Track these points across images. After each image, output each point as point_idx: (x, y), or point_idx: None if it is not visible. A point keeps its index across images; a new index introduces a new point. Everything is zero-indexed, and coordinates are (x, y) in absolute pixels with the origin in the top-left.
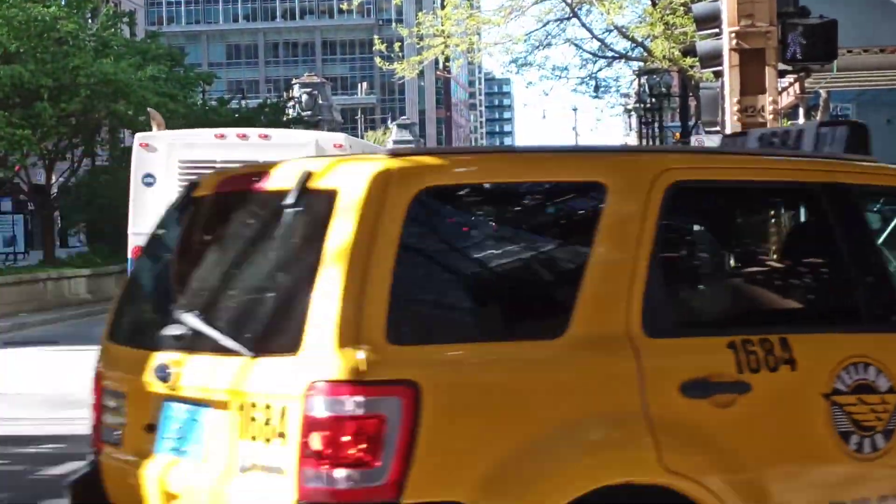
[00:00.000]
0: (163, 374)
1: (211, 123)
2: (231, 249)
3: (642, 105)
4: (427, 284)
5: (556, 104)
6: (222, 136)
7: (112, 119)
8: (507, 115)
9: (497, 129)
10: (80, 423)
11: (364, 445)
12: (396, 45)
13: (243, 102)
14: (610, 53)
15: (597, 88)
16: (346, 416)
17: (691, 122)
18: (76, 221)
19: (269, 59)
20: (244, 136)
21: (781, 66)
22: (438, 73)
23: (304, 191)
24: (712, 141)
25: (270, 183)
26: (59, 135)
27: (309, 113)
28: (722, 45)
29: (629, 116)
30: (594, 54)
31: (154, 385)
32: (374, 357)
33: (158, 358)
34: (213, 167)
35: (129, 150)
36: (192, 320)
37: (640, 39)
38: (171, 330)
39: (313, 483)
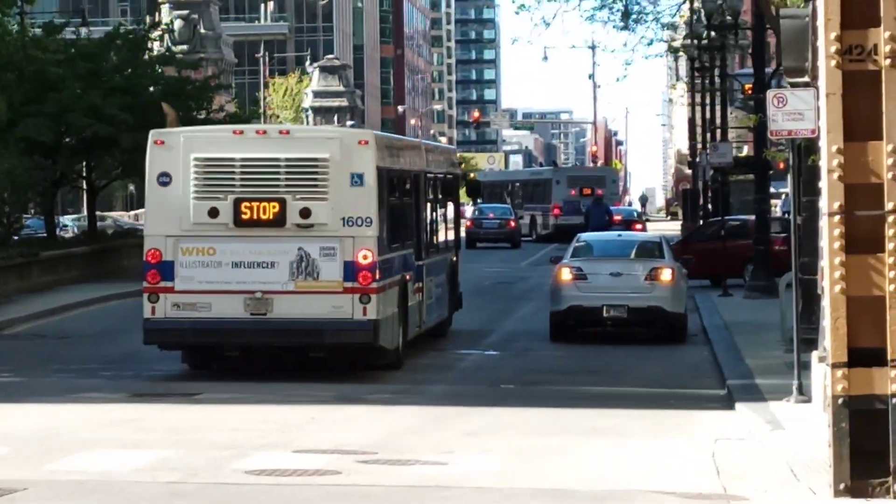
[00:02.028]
0: None
1: (32, 61)
2: None
3: (696, 42)
4: None
5: (565, 39)
6: (240, 133)
7: None
8: (488, 54)
9: (473, 77)
10: None
11: None
12: None
13: (84, 31)
14: None
15: (626, 16)
16: None
17: (770, 69)
18: None
19: None
20: (263, 133)
21: None
22: None
23: None
24: (799, 98)
25: None
26: None
27: (185, 48)
28: None
29: (675, 59)
30: None
31: None
32: None
33: None
34: (232, 165)
35: None
36: None
37: None
38: None
39: None
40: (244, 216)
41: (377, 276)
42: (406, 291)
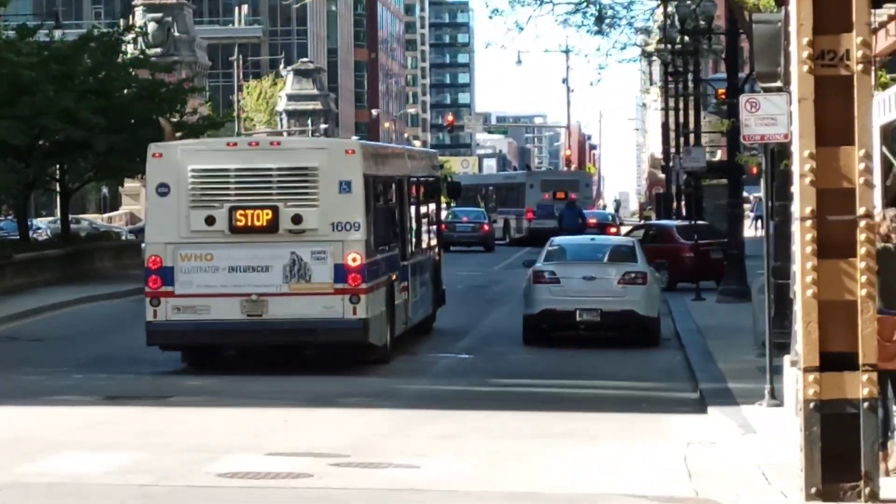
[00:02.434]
0: None
1: (5, 64)
2: None
3: (669, 47)
4: None
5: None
6: (234, 145)
7: None
8: (462, 58)
9: (448, 80)
10: None
11: None
12: None
13: (57, 33)
14: None
15: (600, 20)
16: None
17: (743, 74)
18: None
19: None
20: (255, 144)
21: None
22: None
23: None
24: (771, 103)
25: None
26: None
27: (159, 51)
28: None
29: (649, 64)
30: None
31: None
32: None
33: None
34: (227, 175)
35: None
36: None
37: None
38: None
39: None
40: (239, 223)
41: (366, 278)
42: (393, 291)
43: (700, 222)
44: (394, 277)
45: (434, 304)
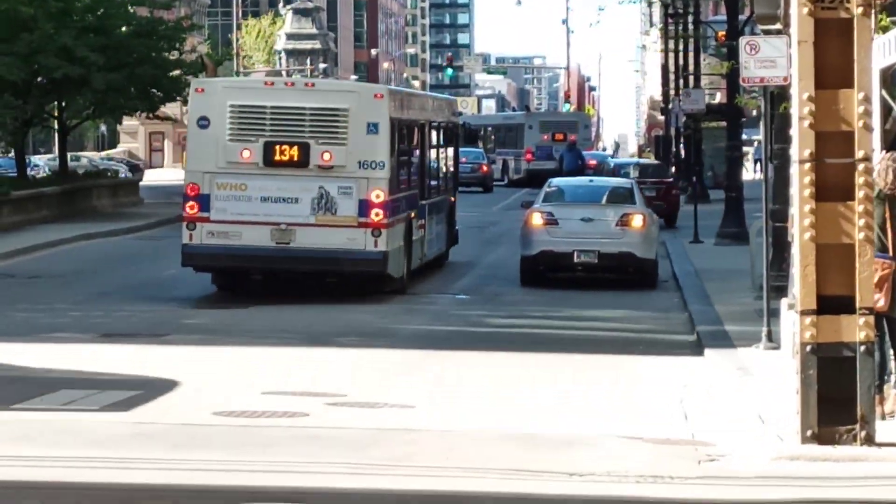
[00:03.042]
0: None
1: (2, 1)
2: None
3: None
4: None
5: None
6: (271, 84)
7: None
8: None
9: (447, 21)
10: None
11: None
12: None
13: None
14: None
15: None
16: None
17: (743, 17)
18: None
19: None
20: (291, 85)
21: None
22: None
23: None
24: (771, 46)
25: None
26: None
27: None
28: None
29: (649, 5)
30: None
31: None
32: None
33: None
34: (263, 112)
35: None
36: None
37: None
38: None
39: None
40: (273, 157)
41: (387, 213)
42: (411, 227)
43: (650, 161)
44: (412, 215)
45: (448, 243)
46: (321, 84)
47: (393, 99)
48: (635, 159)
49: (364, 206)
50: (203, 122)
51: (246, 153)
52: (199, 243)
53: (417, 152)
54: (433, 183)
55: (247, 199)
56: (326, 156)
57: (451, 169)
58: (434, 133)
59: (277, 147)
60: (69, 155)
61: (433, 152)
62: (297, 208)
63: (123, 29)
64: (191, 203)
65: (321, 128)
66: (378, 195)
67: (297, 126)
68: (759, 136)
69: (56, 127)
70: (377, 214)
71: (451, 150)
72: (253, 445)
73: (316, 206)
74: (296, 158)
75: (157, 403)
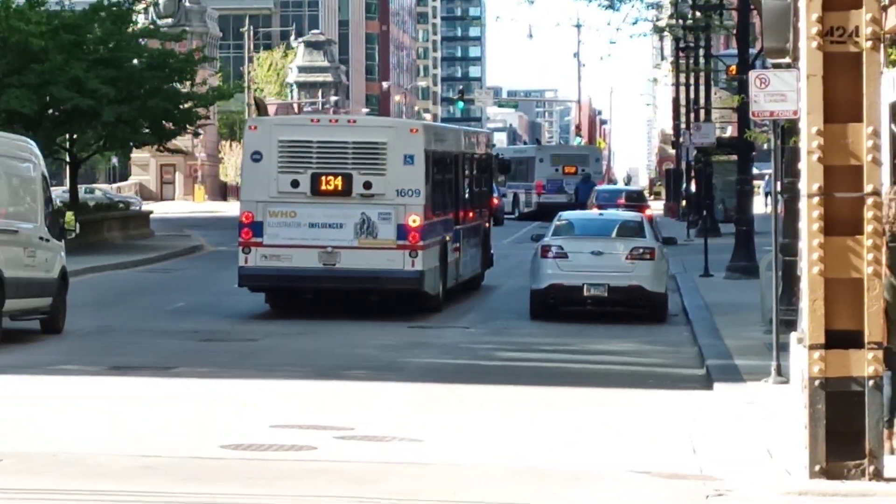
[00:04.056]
0: None
1: (15, 32)
2: None
3: (681, 22)
4: None
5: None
6: (317, 121)
7: None
8: (473, 31)
9: (459, 54)
10: None
11: None
12: None
13: (67, 2)
14: None
15: None
16: None
17: (754, 51)
18: None
19: None
20: (335, 122)
21: None
22: None
23: None
24: (781, 79)
25: None
26: None
27: (169, 22)
28: None
29: (660, 39)
30: None
31: None
32: None
33: None
34: (310, 146)
35: None
36: None
37: None
38: None
39: None
40: (319, 186)
41: (423, 236)
42: (446, 250)
43: (632, 187)
44: (447, 238)
45: (483, 265)
46: (362, 120)
47: (427, 133)
48: (616, 186)
49: (402, 230)
50: (256, 157)
51: (295, 183)
52: (253, 266)
53: (452, 181)
54: (467, 209)
55: (296, 225)
56: (367, 185)
57: (486, 196)
58: (468, 163)
59: (323, 177)
60: (84, 187)
61: (467, 181)
62: (342, 233)
63: (135, 61)
64: (246, 229)
65: (362, 160)
66: (414, 220)
67: (340, 158)
68: (770, 169)
69: (67, 159)
70: (413, 237)
71: (485, 180)
72: (260, 479)
73: (358, 231)
74: (340, 188)
75: (165, 436)
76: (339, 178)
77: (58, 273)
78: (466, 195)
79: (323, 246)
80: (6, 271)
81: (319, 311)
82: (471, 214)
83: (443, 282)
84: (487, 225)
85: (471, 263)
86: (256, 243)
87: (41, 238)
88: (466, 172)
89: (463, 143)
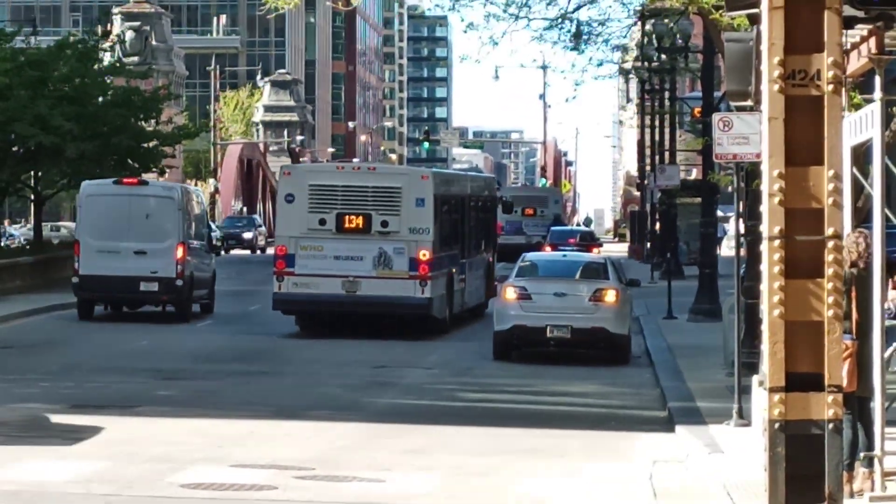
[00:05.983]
0: None
1: None
2: None
3: (646, 64)
4: None
5: (515, 59)
6: (342, 168)
7: None
8: (440, 72)
9: (425, 94)
10: None
11: None
12: None
13: (34, 39)
14: None
15: (577, 36)
16: None
17: (718, 93)
18: None
19: None
20: (357, 169)
21: (849, 11)
22: (335, 3)
23: None
24: (744, 122)
25: None
26: None
27: (135, 59)
28: None
29: (626, 81)
30: None
31: None
32: None
33: None
34: (335, 189)
35: None
36: None
37: None
38: None
39: None
40: (343, 224)
41: (432, 268)
42: (452, 280)
43: (583, 228)
44: (454, 270)
45: (486, 295)
46: (381, 168)
47: (436, 179)
48: (569, 227)
49: (413, 263)
50: (289, 198)
51: (322, 221)
52: (286, 292)
53: (458, 220)
54: (472, 245)
55: (323, 258)
56: (384, 223)
57: (490, 233)
58: (473, 205)
59: (347, 217)
60: (49, 225)
61: (472, 221)
62: (362, 264)
63: (100, 99)
64: (280, 261)
65: (380, 202)
66: (424, 254)
67: (361, 200)
68: (732, 212)
69: (31, 196)
70: (423, 269)
71: (489, 219)
72: None
73: (376, 263)
74: (361, 225)
75: (127, 474)
76: (360, 217)
77: None
78: (472, 232)
79: (346, 275)
80: None
81: (289, 347)
82: (475, 250)
83: (449, 308)
84: (491, 259)
85: (475, 293)
86: (289, 273)
87: None
88: (472, 213)
89: (468, 187)
